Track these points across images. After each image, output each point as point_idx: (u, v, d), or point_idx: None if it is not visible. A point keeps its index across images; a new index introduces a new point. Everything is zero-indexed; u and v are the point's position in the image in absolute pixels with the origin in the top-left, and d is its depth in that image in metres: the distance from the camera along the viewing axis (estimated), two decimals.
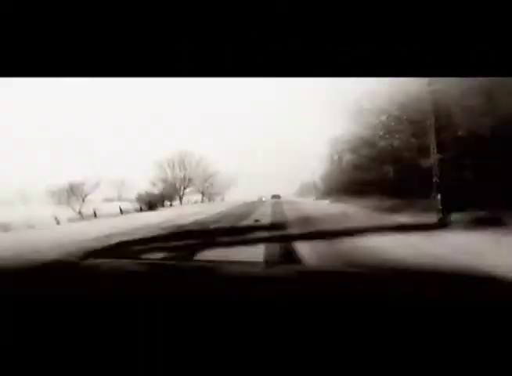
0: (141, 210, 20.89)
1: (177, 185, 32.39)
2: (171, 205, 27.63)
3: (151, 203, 22.58)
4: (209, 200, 42.81)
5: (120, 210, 18.06)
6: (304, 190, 60.03)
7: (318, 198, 35.49)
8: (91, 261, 1.23)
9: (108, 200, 30.12)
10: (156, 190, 25.86)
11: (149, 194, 23.65)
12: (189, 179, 33.66)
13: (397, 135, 18.49)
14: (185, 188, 32.99)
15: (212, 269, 1.05)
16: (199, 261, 2.59)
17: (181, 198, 31.86)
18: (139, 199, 22.59)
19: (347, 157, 28.34)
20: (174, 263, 1.43)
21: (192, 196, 38.30)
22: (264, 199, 45.72)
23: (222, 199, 50.01)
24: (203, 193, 39.81)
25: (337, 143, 31.22)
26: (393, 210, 13.32)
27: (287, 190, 63.31)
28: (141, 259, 1.46)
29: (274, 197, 45.32)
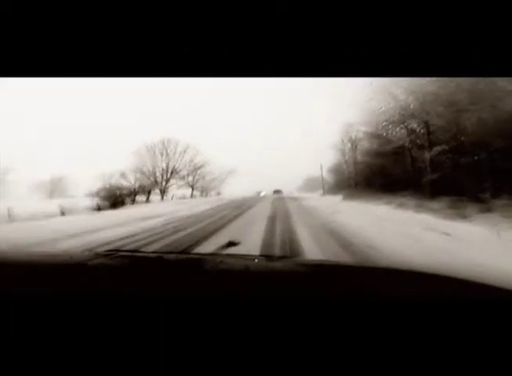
0: (99, 209, 16.09)
1: (157, 176, 27.21)
2: (147, 201, 22.79)
3: (115, 199, 17.77)
4: (201, 194, 38.21)
5: (61, 210, 13.32)
6: (308, 185, 55.75)
7: (326, 193, 30.93)
8: (85, 255, 1.24)
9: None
10: (126, 183, 20.91)
11: (113, 188, 18.78)
12: (174, 170, 28.40)
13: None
14: (167, 180, 27.76)
15: (212, 263, 1.03)
16: (197, 254, 2.71)
17: (162, 192, 26.70)
18: (99, 194, 17.77)
19: (365, 144, 23.56)
20: (172, 257, 1.40)
21: (182, 190, 33.67)
22: (263, 193, 41.03)
23: (218, 193, 45.60)
24: (192, 187, 34.87)
25: (351, 128, 26.55)
26: (463, 215, 8.27)
27: (290, 185, 59.22)
28: (138, 252, 1.41)
29: (276, 192, 41.18)
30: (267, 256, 1.90)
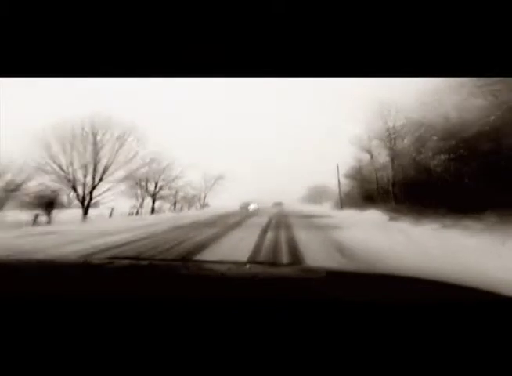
0: None
1: (77, 177, 16.06)
2: (35, 222, 12.50)
3: None
4: (173, 208, 27.92)
5: None
6: (313, 195, 46.01)
7: (340, 207, 20.74)
8: (84, 262, 1.30)
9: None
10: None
11: None
12: (108, 168, 17.36)
13: None
14: (94, 186, 16.72)
15: (214, 270, 1.05)
16: (198, 261, 2.85)
17: (84, 204, 15.66)
18: None
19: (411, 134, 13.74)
20: (176, 263, 1.43)
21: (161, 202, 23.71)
22: (254, 206, 30.79)
23: (203, 205, 35.12)
24: (153, 197, 24.52)
25: (387, 112, 16.55)
26: None
27: (292, 194, 50.79)
28: (139, 259, 1.44)
29: (276, 205, 31.72)
30: (271, 263, 2.05)
